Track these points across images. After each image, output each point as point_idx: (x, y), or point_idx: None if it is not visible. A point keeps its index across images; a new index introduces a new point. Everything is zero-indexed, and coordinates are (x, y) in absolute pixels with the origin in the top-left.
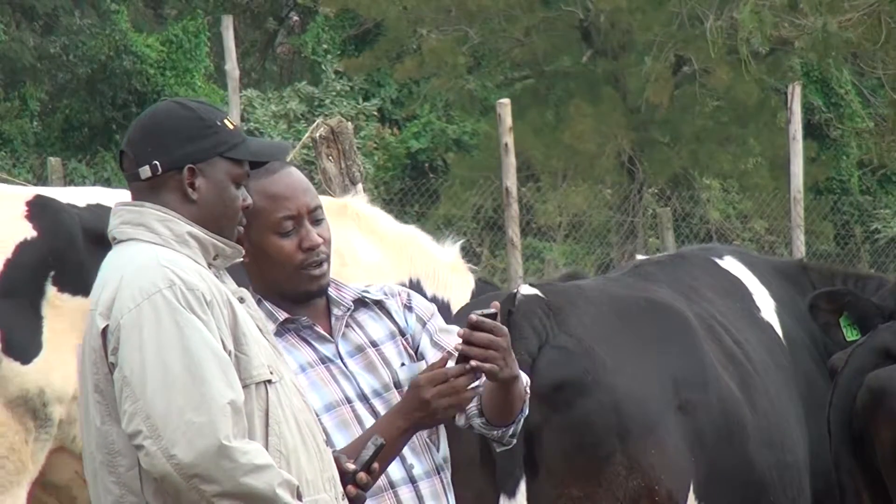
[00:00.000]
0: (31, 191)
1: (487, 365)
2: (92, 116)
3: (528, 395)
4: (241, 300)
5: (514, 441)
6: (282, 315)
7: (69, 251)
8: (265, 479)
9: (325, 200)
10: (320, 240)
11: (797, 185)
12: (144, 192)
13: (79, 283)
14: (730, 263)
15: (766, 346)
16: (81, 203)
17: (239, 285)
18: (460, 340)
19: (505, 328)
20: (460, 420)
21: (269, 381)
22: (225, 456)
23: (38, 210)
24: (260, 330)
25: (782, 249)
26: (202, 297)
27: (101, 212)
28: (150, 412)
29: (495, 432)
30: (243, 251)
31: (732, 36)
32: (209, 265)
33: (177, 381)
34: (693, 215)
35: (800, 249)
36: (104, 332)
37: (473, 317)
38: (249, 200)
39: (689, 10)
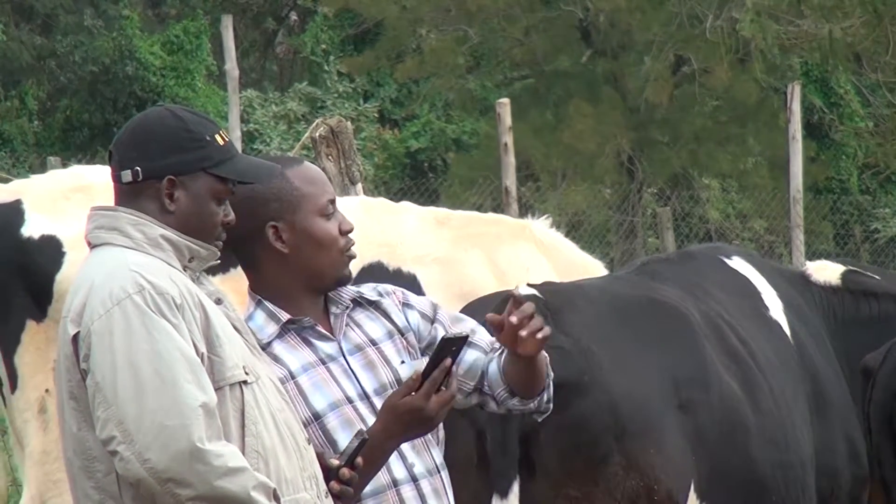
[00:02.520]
0: None
1: (540, 335)
2: (93, 117)
3: (549, 358)
4: (219, 301)
5: (551, 406)
6: (284, 316)
7: None
8: (240, 482)
9: (502, 220)
10: (352, 224)
11: (796, 185)
12: (124, 195)
13: None
14: (738, 263)
15: (773, 345)
16: None
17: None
18: (472, 327)
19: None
20: (497, 409)
21: (245, 382)
22: (198, 459)
23: None
24: (238, 330)
25: (782, 249)
26: (172, 300)
27: None
28: (122, 417)
29: (532, 404)
30: (218, 253)
31: (732, 35)
32: (185, 268)
33: (148, 385)
34: (693, 215)
35: (799, 249)
36: (75, 338)
37: (517, 293)
38: (231, 216)
39: (688, 10)
